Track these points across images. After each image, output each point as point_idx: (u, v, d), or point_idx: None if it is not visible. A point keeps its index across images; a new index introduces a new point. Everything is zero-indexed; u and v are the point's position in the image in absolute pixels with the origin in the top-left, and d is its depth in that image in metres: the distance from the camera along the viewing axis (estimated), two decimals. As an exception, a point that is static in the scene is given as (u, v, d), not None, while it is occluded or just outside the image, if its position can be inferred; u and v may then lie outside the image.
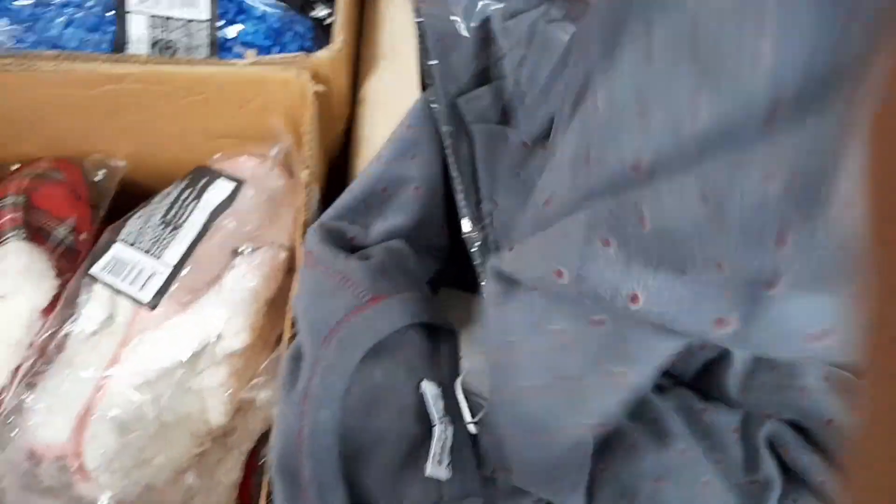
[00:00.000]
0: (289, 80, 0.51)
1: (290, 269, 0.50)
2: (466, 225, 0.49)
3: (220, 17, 0.57)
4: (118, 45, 0.56)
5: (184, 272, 0.47)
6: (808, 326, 0.26)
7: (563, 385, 0.34)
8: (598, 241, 0.29)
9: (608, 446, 0.39)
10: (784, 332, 0.27)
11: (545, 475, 0.37)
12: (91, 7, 0.56)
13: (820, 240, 0.24)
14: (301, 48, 0.57)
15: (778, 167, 0.24)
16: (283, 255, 0.49)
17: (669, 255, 0.28)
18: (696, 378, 0.44)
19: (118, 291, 0.47)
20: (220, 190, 0.51)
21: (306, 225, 0.47)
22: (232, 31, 0.57)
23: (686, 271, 0.27)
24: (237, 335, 0.45)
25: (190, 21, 0.56)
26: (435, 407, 0.41)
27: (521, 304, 0.35)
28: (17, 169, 0.56)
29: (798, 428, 0.42)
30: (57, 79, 0.51)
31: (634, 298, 0.28)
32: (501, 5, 0.55)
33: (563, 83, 0.43)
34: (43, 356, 0.45)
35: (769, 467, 0.41)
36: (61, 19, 0.56)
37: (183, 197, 0.51)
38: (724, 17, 0.25)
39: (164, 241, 0.48)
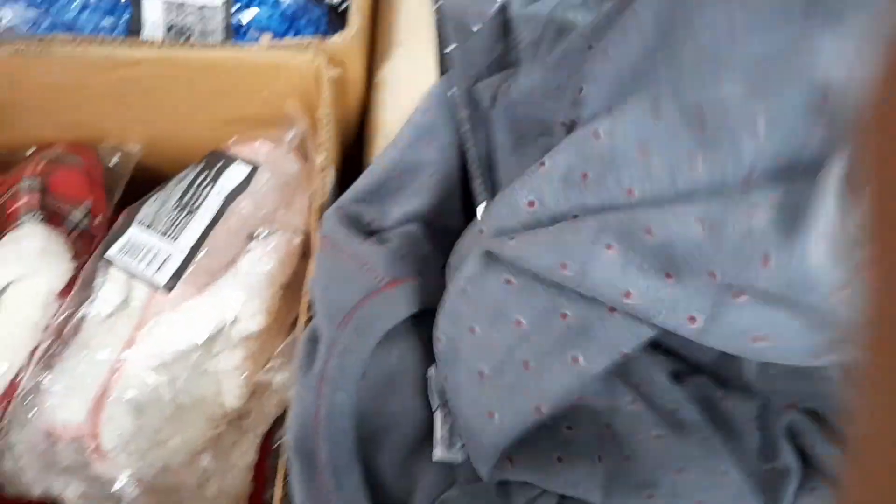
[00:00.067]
0: (304, 65, 0.51)
1: (304, 253, 0.49)
2: (482, 211, 0.49)
3: (235, 1, 0.56)
4: (133, 29, 0.56)
5: (199, 255, 0.47)
6: (754, 330, 0.33)
7: (516, 369, 0.37)
8: (603, 245, 0.34)
9: (625, 438, 0.38)
10: (735, 332, 0.33)
11: (493, 458, 0.37)
12: (106, -9, 0.56)
13: (796, 263, 0.31)
14: (316, 33, 0.57)
15: (759, 207, 0.32)
16: (297, 239, 0.49)
17: (668, 262, 0.33)
18: (714, 365, 0.44)
19: (134, 274, 0.47)
20: (235, 174, 0.51)
21: (322, 209, 0.47)
22: (247, 16, 0.57)
23: (675, 276, 0.33)
24: (253, 318, 0.45)
25: (205, 6, 0.56)
26: (438, 393, 0.41)
27: (491, 292, 0.38)
28: (32, 153, 0.56)
29: (820, 418, 0.42)
30: (72, 63, 0.51)
31: (628, 294, 0.34)
32: (521, -9, 0.55)
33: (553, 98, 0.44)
34: (59, 338, 0.45)
35: (787, 456, 0.41)
36: (77, 3, 0.56)
37: (198, 181, 0.51)
38: (734, 101, 0.32)
39: (180, 225, 0.48)
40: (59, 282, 0.46)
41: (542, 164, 0.38)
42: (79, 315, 0.46)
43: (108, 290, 0.47)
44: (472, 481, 0.39)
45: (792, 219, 0.31)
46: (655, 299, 0.34)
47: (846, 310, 0.31)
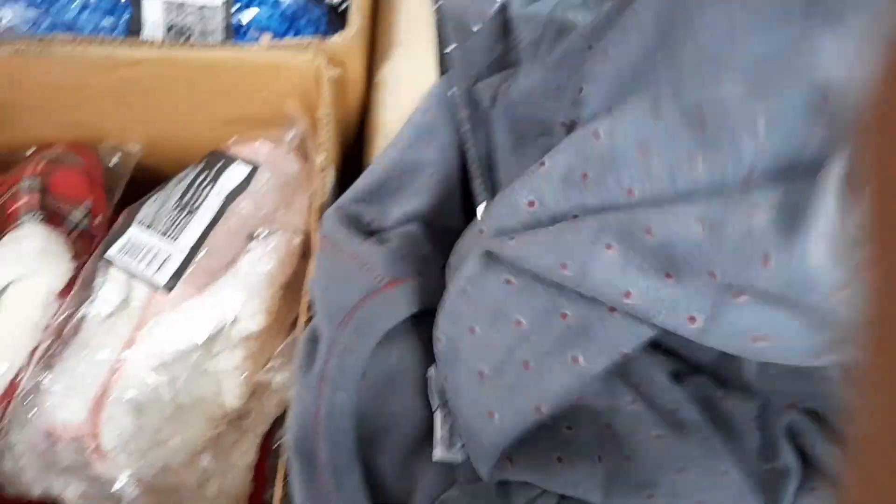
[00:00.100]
0: (304, 65, 0.51)
1: (304, 253, 0.49)
2: (482, 211, 0.49)
3: (235, 1, 0.56)
4: (133, 29, 0.56)
5: (199, 255, 0.47)
6: (754, 330, 0.33)
7: (516, 369, 0.37)
8: (603, 245, 0.35)
9: (625, 438, 0.38)
10: (735, 332, 0.34)
11: (493, 458, 0.37)
12: (106, -9, 0.56)
13: (796, 263, 0.31)
14: (316, 33, 0.57)
15: (759, 207, 0.32)
16: (297, 239, 0.49)
17: (668, 262, 0.34)
18: (714, 365, 0.44)
19: (134, 274, 0.47)
20: (235, 174, 0.51)
21: (322, 209, 0.47)
22: (247, 16, 0.57)
23: (675, 276, 0.33)
24: (253, 318, 0.45)
25: (205, 6, 0.56)
26: (438, 393, 0.41)
27: (491, 292, 0.38)
28: (32, 153, 0.56)
29: (820, 418, 0.42)
30: (72, 63, 0.51)
31: (628, 294, 0.34)
32: (521, -9, 0.55)
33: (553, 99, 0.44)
34: (59, 338, 0.45)
35: (787, 456, 0.41)
36: (77, 3, 0.56)
37: (198, 181, 0.51)
38: (734, 101, 0.33)
39: (180, 225, 0.48)
40: (59, 282, 0.46)
41: (542, 163, 0.38)
42: (79, 315, 0.46)
43: (108, 290, 0.47)
44: (472, 481, 0.39)
45: (792, 219, 0.31)
46: (655, 299, 0.34)
47: (846, 310, 0.31)
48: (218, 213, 0.49)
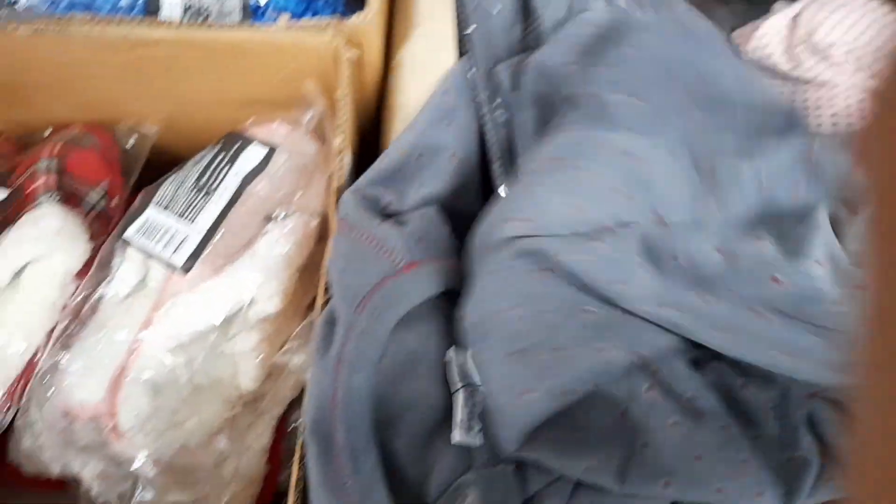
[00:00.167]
0: (322, 45, 0.50)
1: (321, 236, 0.49)
2: (502, 194, 0.49)
3: (253, -19, 0.56)
4: (151, 9, 0.56)
5: (217, 237, 0.47)
6: (778, 345, 0.38)
7: (547, 353, 0.38)
8: (639, 263, 0.38)
9: (642, 425, 0.38)
10: (761, 346, 0.38)
11: (520, 437, 0.37)
12: (125, -29, 0.56)
13: (802, 280, 0.37)
14: (334, 13, 0.56)
15: (763, 239, 0.39)
16: (314, 222, 0.48)
17: (696, 281, 0.38)
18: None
19: (151, 255, 0.47)
20: (252, 155, 0.51)
21: (339, 191, 0.47)
22: (265, -4, 0.56)
23: (702, 294, 0.38)
24: (270, 299, 0.45)
25: (223, -14, 0.56)
26: (458, 374, 0.40)
27: (524, 279, 0.39)
28: (49, 134, 0.56)
29: (843, 408, 0.41)
30: (90, 43, 0.51)
31: (661, 307, 0.38)
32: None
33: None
34: (77, 318, 0.45)
35: (807, 446, 0.40)
36: (95, -17, 0.56)
37: (216, 162, 0.51)
38: (735, 158, 0.43)
39: (198, 206, 0.48)
40: (77, 262, 0.46)
41: (582, 168, 0.41)
42: (96, 295, 0.46)
43: (126, 270, 0.47)
44: (489, 465, 0.39)
45: (793, 246, 0.39)
46: (685, 313, 0.37)
47: (848, 325, 0.32)
48: (235, 194, 0.49)
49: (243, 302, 0.45)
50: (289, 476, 0.40)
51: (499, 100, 0.52)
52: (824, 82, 0.54)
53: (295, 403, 0.47)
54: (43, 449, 0.42)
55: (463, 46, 0.54)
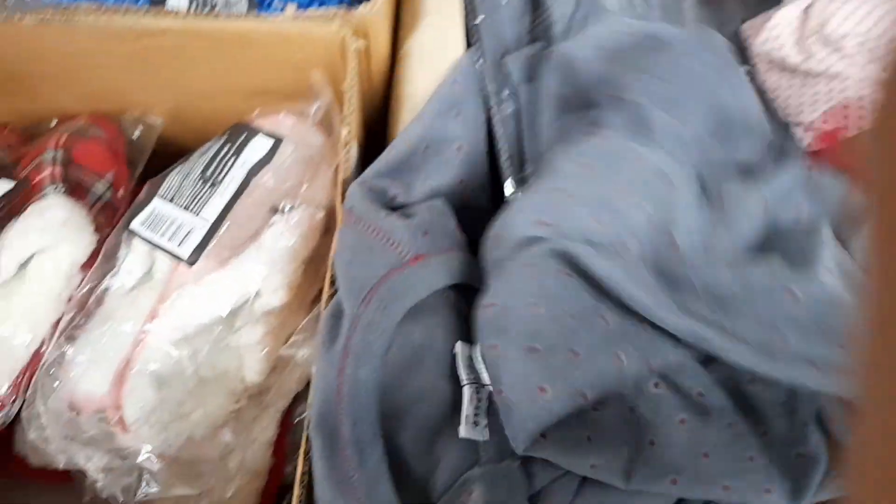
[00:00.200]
0: (329, 36, 0.50)
1: (327, 228, 0.49)
2: (509, 187, 0.48)
3: (260, -28, 0.56)
4: (157, -1, 0.56)
5: (222, 229, 0.47)
6: (806, 360, 0.38)
7: (565, 355, 0.37)
8: (663, 288, 0.39)
9: (650, 422, 0.38)
10: (790, 363, 0.38)
11: (533, 433, 0.37)
12: (131, -40, 0.55)
13: (817, 290, 0.39)
14: (341, 3, 0.56)
15: (773, 260, 0.41)
16: (320, 214, 0.48)
17: (716, 306, 0.39)
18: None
19: (157, 247, 0.47)
20: (258, 147, 0.50)
21: (345, 183, 0.46)
22: (272, -14, 0.56)
23: (722, 320, 0.38)
24: (275, 292, 0.45)
25: (229, -24, 0.55)
26: (466, 368, 0.40)
27: (551, 278, 0.39)
28: (55, 125, 0.56)
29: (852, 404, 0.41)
30: (96, 32, 0.51)
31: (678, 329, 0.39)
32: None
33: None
34: (82, 310, 0.45)
35: (816, 443, 0.40)
36: (101, -28, 0.55)
37: (222, 153, 0.50)
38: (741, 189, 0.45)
39: (203, 198, 0.48)
40: (82, 254, 0.46)
41: (612, 180, 0.41)
42: (102, 287, 0.46)
43: (132, 262, 0.46)
44: (496, 461, 0.39)
45: (801, 259, 0.40)
46: (709, 326, 0.38)
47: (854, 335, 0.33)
48: (241, 186, 0.48)
49: (249, 294, 0.45)
50: (294, 469, 0.39)
51: (507, 91, 0.51)
52: (836, 74, 0.53)
53: (301, 396, 0.46)
54: (48, 441, 0.42)
55: (471, 37, 0.53)
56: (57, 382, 0.43)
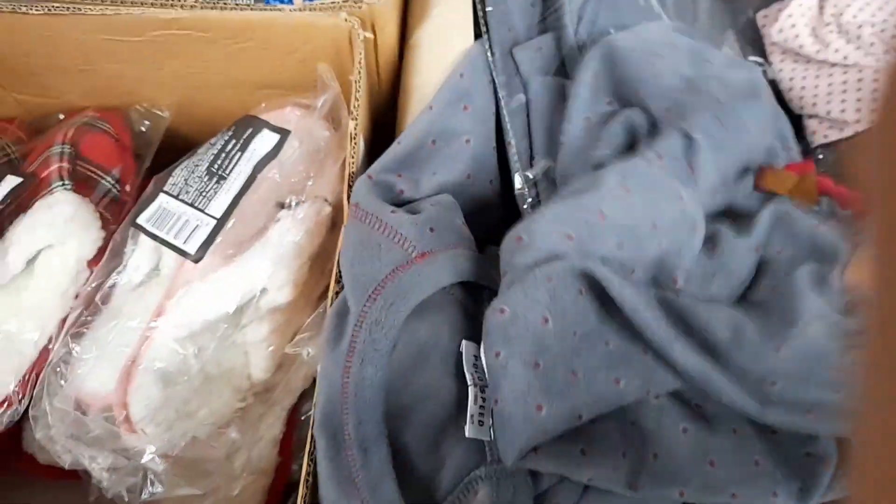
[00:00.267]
0: (337, 26, 0.50)
1: (334, 223, 0.49)
2: (518, 181, 0.48)
3: (268, -39, 0.55)
4: (164, -11, 0.55)
5: (228, 224, 0.46)
6: (804, 406, 0.39)
7: (566, 375, 0.37)
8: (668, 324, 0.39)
9: (652, 433, 0.37)
10: (789, 410, 0.39)
11: (525, 449, 0.37)
12: (138, -49, 0.55)
13: (799, 343, 0.39)
14: (349, -7, 0.55)
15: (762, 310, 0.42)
16: (327, 209, 0.48)
17: (714, 349, 0.39)
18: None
19: (163, 243, 0.47)
20: (265, 141, 0.50)
21: (352, 178, 0.46)
22: (280, -24, 0.55)
23: (719, 365, 0.38)
24: (281, 289, 0.45)
25: (237, -34, 0.55)
26: (471, 367, 0.40)
27: (568, 294, 0.38)
28: (63, 119, 0.56)
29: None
30: (104, 23, 0.51)
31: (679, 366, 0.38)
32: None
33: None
34: (89, 307, 0.45)
35: (826, 442, 0.39)
36: (108, -37, 0.55)
37: (228, 148, 0.50)
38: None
39: (209, 193, 0.48)
40: (89, 250, 0.46)
41: (649, 212, 0.42)
42: (109, 283, 0.46)
43: (138, 258, 0.46)
44: (502, 461, 0.38)
45: (785, 313, 0.40)
46: (715, 375, 0.38)
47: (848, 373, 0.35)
48: (247, 181, 0.48)
49: (255, 291, 0.44)
50: (301, 467, 0.39)
51: (517, 83, 0.51)
52: (853, 65, 0.52)
53: (307, 394, 0.46)
54: (54, 440, 0.42)
55: (480, 28, 0.53)
56: (63, 381, 0.43)
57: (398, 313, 0.40)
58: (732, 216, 0.47)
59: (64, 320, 0.45)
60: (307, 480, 0.38)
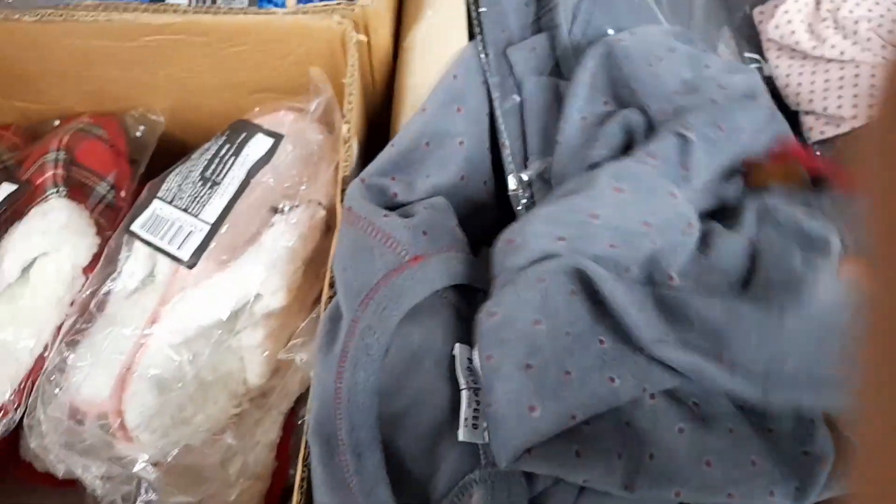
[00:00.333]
0: (330, 29, 0.50)
1: (328, 228, 0.49)
2: (512, 182, 0.48)
3: (261, -35, 0.55)
4: (158, -6, 0.55)
5: (222, 230, 0.46)
6: (809, 387, 0.37)
7: (558, 375, 0.36)
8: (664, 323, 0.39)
9: (647, 434, 0.37)
10: (794, 392, 0.38)
11: (519, 451, 0.36)
12: (130, -44, 0.55)
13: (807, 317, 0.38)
14: (342, -5, 0.55)
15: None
16: (321, 213, 0.48)
17: (714, 340, 0.38)
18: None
19: (157, 249, 0.47)
20: (259, 145, 0.50)
21: (346, 181, 0.46)
22: (272, -21, 0.55)
23: (723, 360, 0.37)
24: (275, 294, 0.45)
25: (230, -31, 0.55)
26: (465, 371, 0.40)
27: (560, 296, 0.38)
28: (58, 125, 0.56)
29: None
30: (97, 29, 0.51)
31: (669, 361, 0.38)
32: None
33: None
34: (84, 314, 0.45)
35: (823, 440, 0.39)
36: (101, -31, 0.55)
37: (222, 153, 0.50)
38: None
39: (203, 199, 0.48)
40: (84, 257, 0.47)
41: (642, 211, 0.41)
42: (104, 290, 0.46)
43: (133, 265, 0.46)
44: (496, 463, 0.38)
45: (782, 292, 0.39)
46: (710, 368, 0.37)
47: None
48: (241, 186, 0.48)
49: (249, 297, 0.45)
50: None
51: (510, 83, 0.50)
52: (849, 60, 0.52)
53: (304, 398, 0.46)
54: (48, 450, 0.42)
55: (473, 28, 0.53)
56: (58, 389, 0.43)
57: (391, 318, 0.40)
58: (725, 214, 0.47)
59: (59, 328, 0.45)
60: (302, 486, 0.38)
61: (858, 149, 0.18)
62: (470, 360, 0.40)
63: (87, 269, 0.47)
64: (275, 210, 0.48)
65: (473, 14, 0.53)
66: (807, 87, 0.53)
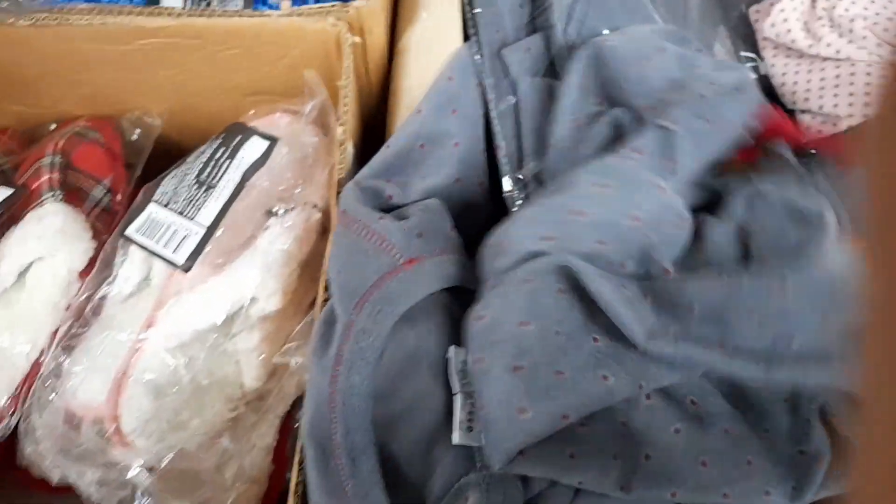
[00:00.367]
0: (325, 31, 0.50)
1: (324, 230, 0.49)
2: (507, 184, 0.48)
3: (256, -34, 0.55)
4: (153, -3, 0.55)
5: (218, 233, 0.46)
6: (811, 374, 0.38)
7: (550, 376, 0.36)
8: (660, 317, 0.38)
9: (643, 434, 0.37)
10: (794, 375, 0.38)
11: (511, 453, 0.36)
12: (124, -41, 0.55)
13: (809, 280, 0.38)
14: (337, -2, 0.55)
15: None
16: (316, 215, 0.48)
17: (717, 323, 0.37)
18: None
19: (153, 253, 0.47)
20: (254, 148, 0.50)
21: (341, 184, 0.46)
22: (267, -18, 0.55)
23: (723, 346, 0.37)
24: (270, 297, 0.45)
25: (224, -29, 0.55)
26: (458, 374, 0.40)
27: (547, 295, 0.38)
28: (54, 129, 0.56)
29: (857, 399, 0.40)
30: (91, 32, 0.51)
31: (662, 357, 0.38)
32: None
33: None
34: (80, 319, 0.46)
35: (819, 440, 0.39)
36: (95, -28, 0.55)
37: (217, 156, 0.50)
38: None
39: (198, 202, 0.48)
40: (80, 261, 0.47)
41: (629, 206, 0.41)
42: (99, 295, 0.46)
43: (128, 269, 0.46)
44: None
45: (780, 259, 0.40)
46: (709, 357, 0.37)
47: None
48: (236, 189, 0.48)
49: (244, 300, 0.45)
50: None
51: (505, 85, 0.50)
52: (845, 59, 0.52)
53: (300, 401, 0.46)
54: (44, 456, 0.43)
55: (468, 29, 0.52)
56: (53, 395, 0.43)
57: (385, 321, 0.40)
58: (716, 205, 0.47)
59: (55, 332, 0.45)
60: (298, 490, 0.38)
61: (857, 146, 0.18)
62: (465, 362, 0.40)
63: (83, 274, 0.47)
64: (270, 213, 0.48)
65: (468, 15, 0.53)
66: (803, 85, 0.53)
